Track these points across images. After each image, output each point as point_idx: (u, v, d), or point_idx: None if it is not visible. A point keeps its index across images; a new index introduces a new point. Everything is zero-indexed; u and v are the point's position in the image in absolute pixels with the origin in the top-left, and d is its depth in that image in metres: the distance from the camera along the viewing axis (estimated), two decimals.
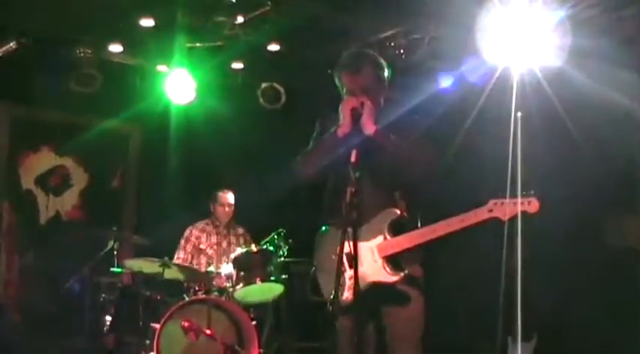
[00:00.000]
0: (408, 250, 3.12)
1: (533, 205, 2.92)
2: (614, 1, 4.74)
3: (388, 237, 3.14)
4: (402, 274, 3.11)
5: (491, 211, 2.98)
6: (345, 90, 3.31)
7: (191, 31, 5.91)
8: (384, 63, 3.34)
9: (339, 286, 2.90)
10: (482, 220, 2.99)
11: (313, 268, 3.40)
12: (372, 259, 3.15)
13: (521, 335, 3.70)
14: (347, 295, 3.10)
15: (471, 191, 3.31)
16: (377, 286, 3.13)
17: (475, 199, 3.07)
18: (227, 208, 6.26)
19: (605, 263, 5.01)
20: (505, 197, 2.97)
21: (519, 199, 2.94)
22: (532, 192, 2.93)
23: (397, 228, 3.15)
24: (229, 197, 6.28)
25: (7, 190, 6.93)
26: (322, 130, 3.43)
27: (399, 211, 3.17)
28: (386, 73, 3.34)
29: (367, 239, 3.16)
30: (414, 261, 3.22)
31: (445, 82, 6.15)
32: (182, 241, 6.21)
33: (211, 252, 6.15)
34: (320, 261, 3.37)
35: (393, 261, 3.13)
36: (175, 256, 6.07)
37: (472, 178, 5.11)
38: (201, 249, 6.15)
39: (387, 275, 3.12)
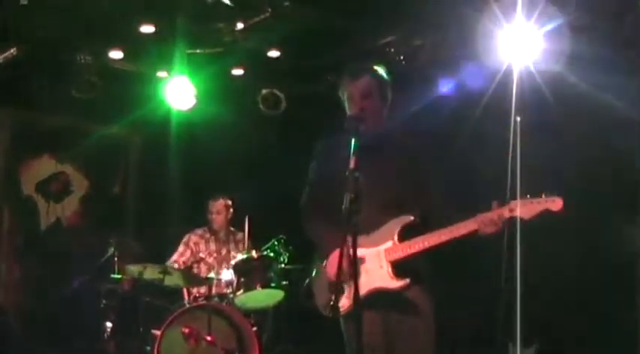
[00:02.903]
0: (418, 254, 3.11)
1: (557, 203, 2.91)
2: (613, 6, 4.75)
3: (397, 241, 3.14)
4: (407, 280, 3.09)
5: (512, 210, 2.97)
6: (347, 101, 3.31)
7: (191, 37, 5.93)
8: (384, 73, 3.36)
9: (339, 291, 2.90)
10: (503, 220, 2.97)
11: (308, 280, 3.41)
12: (378, 265, 3.14)
13: (521, 340, 3.70)
14: (343, 302, 3.09)
15: (472, 195, 3.31)
16: (382, 292, 3.13)
17: (475, 203, 3.06)
18: (215, 216, 6.23)
19: (606, 266, 5.01)
20: (526, 197, 2.97)
21: (543, 198, 2.93)
22: (555, 192, 2.93)
23: (409, 233, 3.14)
24: (218, 205, 6.25)
25: (7, 197, 6.94)
26: (321, 157, 3.43)
27: (412, 217, 3.15)
28: (387, 83, 3.34)
29: (376, 245, 3.16)
30: (427, 267, 3.20)
31: (445, 87, 6.15)
32: (180, 246, 6.21)
33: (211, 260, 6.14)
34: (316, 269, 3.38)
35: (400, 267, 3.12)
36: (171, 259, 6.07)
37: (472, 182, 5.11)
38: (201, 258, 6.14)
39: (391, 281, 3.10)
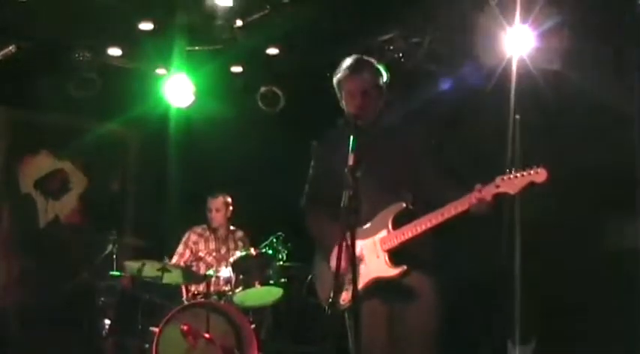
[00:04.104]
0: (414, 240, 3.10)
1: (541, 174, 2.90)
2: (611, 6, 4.76)
3: (391, 230, 3.15)
4: (404, 267, 3.09)
5: (498, 186, 2.96)
6: (343, 95, 3.32)
7: (190, 34, 5.93)
8: (382, 69, 3.36)
9: (338, 288, 2.91)
10: (490, 197, 2.96)
11: (311, 275, 3.41)
12: (375, 255, 3.15)
13: (519, 338, 3.71)
14: (345, 296, 3.10)
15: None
16: (382, 282, 3.13)
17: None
18: (214, 213, 6.19)
19: (605, 265, 5.02)
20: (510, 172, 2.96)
21: (527, 171, 2.92)
22: (539, 164, 2.92)
23: (402, 220, 3.14)
24: (217, 202, 6.22)
25: (6, 194, 6.94)
26: (319, 155, 3.44)
27: (404, 204, 3.17)
28: (384, 79, 3.35)
29: (371, 235, 3.17)
30: (425, 254, 3.20)
31: (444, 85, 6.15)
32: (180, 246, 6.20)
33: (210, 258, 6.12)
34: (318, 266, 3.39)
35: (397, 254, 3.12)
36: (172, 262, 6.05)
37: (470, 178, 5.11)
38: (200, 257, 6.13)
39: (387, 269, 3.11)
